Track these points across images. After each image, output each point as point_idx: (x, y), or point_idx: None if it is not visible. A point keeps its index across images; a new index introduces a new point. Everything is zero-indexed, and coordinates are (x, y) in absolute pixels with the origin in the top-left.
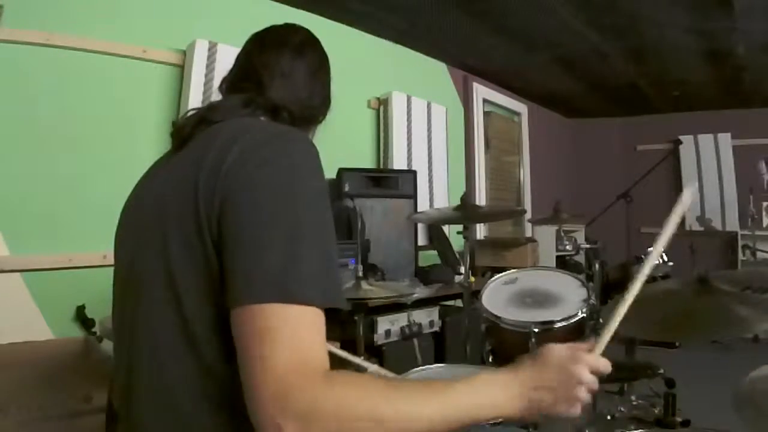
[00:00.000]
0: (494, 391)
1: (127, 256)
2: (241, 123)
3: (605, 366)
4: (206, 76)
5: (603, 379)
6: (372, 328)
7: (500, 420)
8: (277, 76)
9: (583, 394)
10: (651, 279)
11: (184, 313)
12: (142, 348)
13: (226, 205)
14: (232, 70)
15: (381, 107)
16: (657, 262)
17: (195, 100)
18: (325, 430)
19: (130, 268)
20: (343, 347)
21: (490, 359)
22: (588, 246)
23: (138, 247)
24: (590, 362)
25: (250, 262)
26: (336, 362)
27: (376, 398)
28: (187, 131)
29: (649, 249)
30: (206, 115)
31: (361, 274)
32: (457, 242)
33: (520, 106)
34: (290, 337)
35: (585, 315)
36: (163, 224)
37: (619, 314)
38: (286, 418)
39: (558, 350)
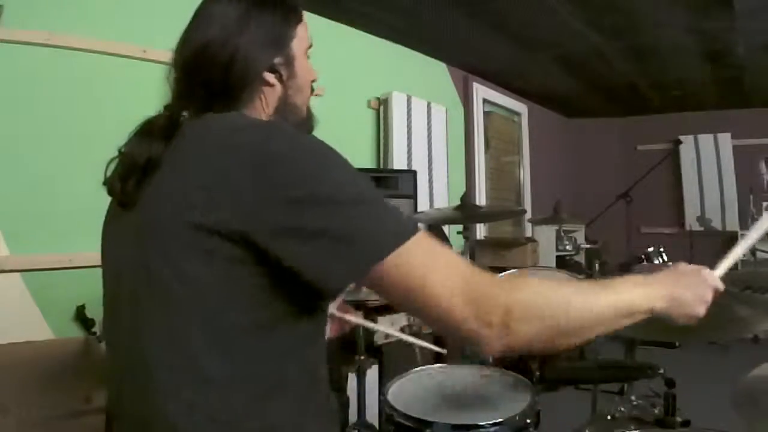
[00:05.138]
0: (650, 285)
1: (115, 269)
2: (210, 128)
3: (720, 283)
4: None
5: (603, 379)
6: None
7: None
8: (179, 69)
9: (711, 296)
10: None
11: (170, 327)
12: (138, 356)
13: (268, 218)
14: None
15: (381, 107)
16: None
17: None
18: (526, 314)
19: (118, 280)
20: (343, 348)
21: (490, 359)
22: (588, 246)
23: (123, 260)
24: (712, 274)
25: (359, 227)
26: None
27: (565, 290)
28: (131, 188)
29: (649, 248)
30: (146, 165)
31: None
32: (457, 242)
33: (520, 106)
34: (445, 261)
35: None
36: (145, 238)
37: (740, 250)
38: (491, 318)
39: (687, 265)
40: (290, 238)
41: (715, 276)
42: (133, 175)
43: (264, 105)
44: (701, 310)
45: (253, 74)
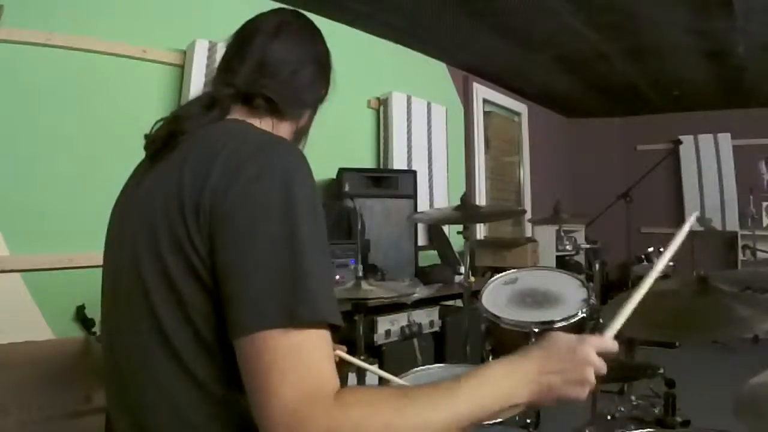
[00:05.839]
0: (503, 381)
1: (112, 271)
2: (219, 132)
3: (612, 345)
4: (206, 76)
5: (603, 379)
6: (372, 328)
7: (500, 419)
8: (248, 62)
9: (591, 376)
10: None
11: (164, 331)
12: (134, 357)
13: (218, 229)
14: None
15: (381, 107)
16: (660, 273)
17: None
18: None
19: (114, 283)
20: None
21: (490, 359)
22: (588, 246)
23: (119, 263)
24: (596, 343)
25: (249, 287)
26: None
27: (389, 413)
28: (159, 146)
29: (649, 248)
30: (175, 129)
31: (361, 274)
32: (457, 242)
33: (520, 106)
34: (298, 363)
35: (585, 315)
36: (138, 242)
37: (627, 308)
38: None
39: (563, 335)
40: (221, 263)
41: (599, 347)
42: (169, 141)
43: (292, 126)
44: (579, 392)
45: (308, 97)
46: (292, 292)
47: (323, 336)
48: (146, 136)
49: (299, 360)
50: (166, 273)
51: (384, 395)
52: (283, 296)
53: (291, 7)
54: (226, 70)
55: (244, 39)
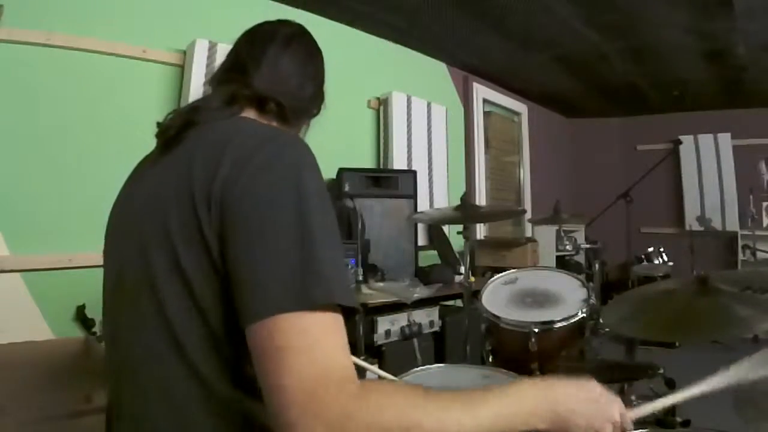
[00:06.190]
0: (530, 402)
1: (116, 264)
2: (228, 126)
3: (630, 425)
4: (206, 76)
5: (603, 379)
6: (372, 328)
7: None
8: (263, 67)
9: (608, 430)
10: (651, 279)
11: (172, 324)
12: (137, 353)
13: (228, 218)
14: (221, 65)
15: (381, 107)
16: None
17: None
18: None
19: (119, 276)
20: None
21: (490, 359)
22: (588, 246)
23: (125, 255)
24: (623, 410)
25: (261, 274)
26: None
27: (407, 405)
28: (172, 134)
29: (649, 248)
30: (191, 118)
31: (361, 277)
32: (457, 242)
33: (520, 106)
34: (313, 345)
35: (585, 315)
36: (147, 233)
37: (660, 401)
38: (326, 415)
39: (599, 386)
40: (232, 252)
41: (623, 413)
42: (183, 130)
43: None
44: None
45: (309, 110)
46: (305, 277)
47: (338, 320)
48: (159, 124)
49: (314, 342)
50: (178, 264)
51: (408, 391)
52: (296, 281)
53: (292, 17)
54: (238, 71)
55: (258, 43)
